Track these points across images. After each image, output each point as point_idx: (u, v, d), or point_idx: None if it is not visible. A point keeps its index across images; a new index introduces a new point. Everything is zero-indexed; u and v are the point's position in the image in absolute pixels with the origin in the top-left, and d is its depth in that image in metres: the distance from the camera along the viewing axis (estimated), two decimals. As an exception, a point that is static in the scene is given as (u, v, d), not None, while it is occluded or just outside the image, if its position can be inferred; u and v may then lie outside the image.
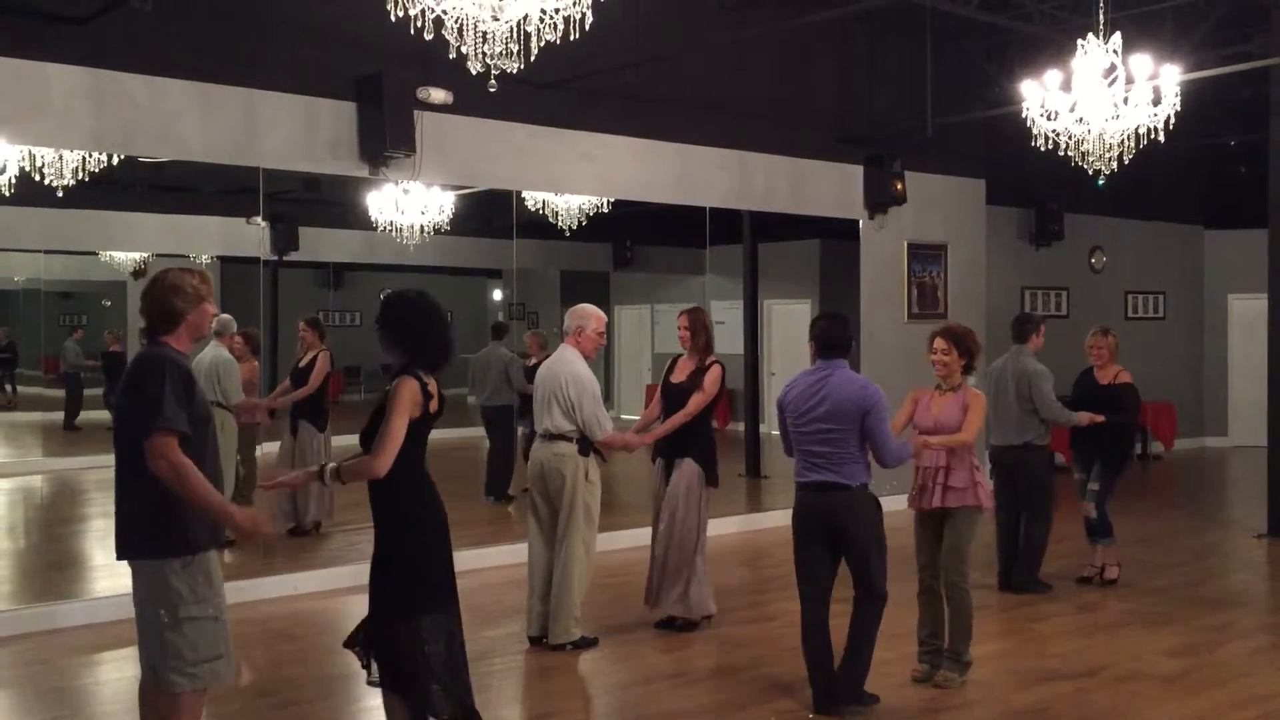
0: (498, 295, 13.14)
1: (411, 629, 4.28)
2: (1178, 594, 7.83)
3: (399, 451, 4.27)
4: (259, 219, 8.35)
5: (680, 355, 7.03)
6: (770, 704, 5.55)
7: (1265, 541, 9.69)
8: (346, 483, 4.38)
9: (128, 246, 10.09)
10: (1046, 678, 5.97)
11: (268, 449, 9.38)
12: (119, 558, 4.07)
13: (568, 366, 6.50)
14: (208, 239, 9.87)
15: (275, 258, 9.36)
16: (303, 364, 9.45)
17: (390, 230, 9.73)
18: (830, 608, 5.41)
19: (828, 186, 10.94)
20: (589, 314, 6.62)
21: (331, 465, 4.32)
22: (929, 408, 5.97)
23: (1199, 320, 16.51)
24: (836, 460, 5.24)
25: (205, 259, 10.16)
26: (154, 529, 3.96)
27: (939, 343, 6.00)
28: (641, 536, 7.36)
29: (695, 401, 6.73)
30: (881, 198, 11.04)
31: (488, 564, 8.34)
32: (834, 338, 5.41)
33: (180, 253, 10.16)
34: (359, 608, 6.45)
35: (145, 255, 10.23)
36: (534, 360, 11.28)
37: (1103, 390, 7.93)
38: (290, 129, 7.91)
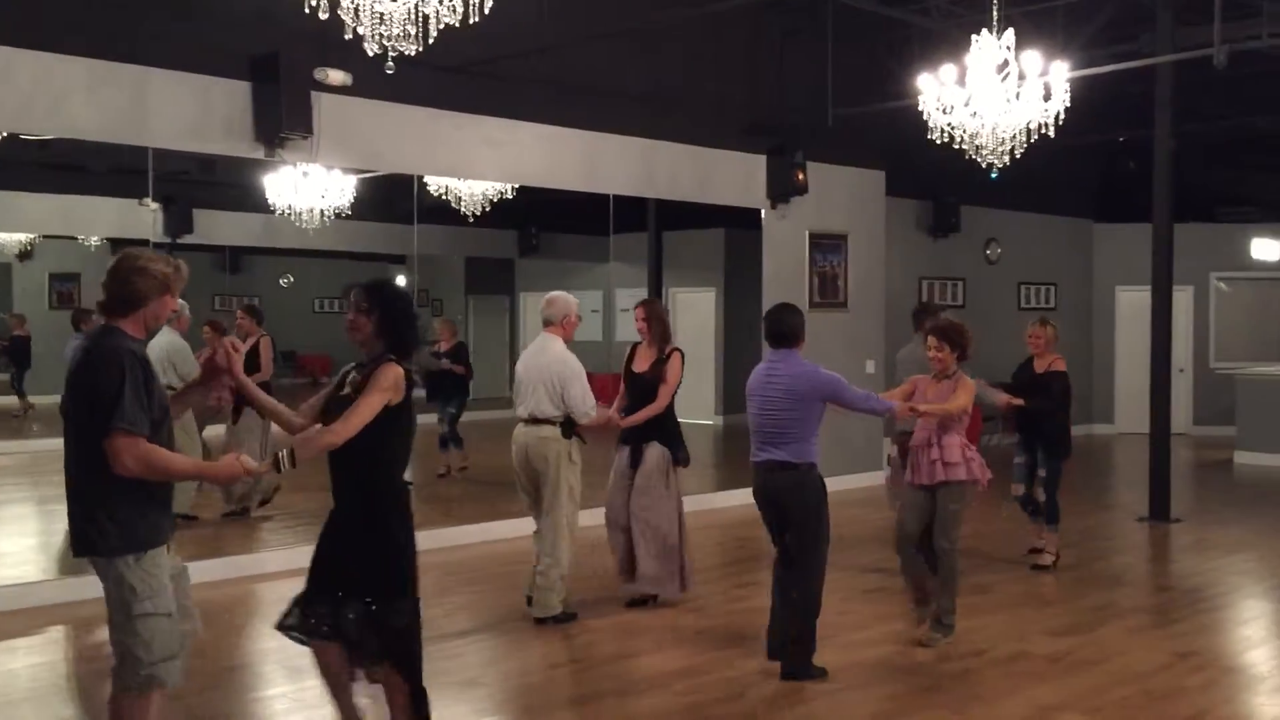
0: (401, 281, 12.98)
1: (412, 607, 4.40)
2: (1063, 575, 8.09)
3: (388, 437, 4.31)
4: (149, 200, 8.13)
5: (638, 343, 7.23)
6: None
7: (1146, 525, 10.09)
8: (301, 462, 4.14)
9: (12, 227, 9.76)
10: (938, 658, 6.12)
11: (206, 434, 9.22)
12: (76, 555, 3.96)
13: (555, 353, 6.70)
14: (97, 220, 9.58)
15: (168, 240, 9.11)
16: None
17: (289, 214, 9.55)
18: None
19: (731, 176, 11.02)
20: (569, 301, 6.89)
21: (285, 451, 4.09)
22: (924, 395, 6.31)
23: (1088, 311, 17.02)
24: (783, 440, 5.60)
25: (95, 241, 9.86)
26: (107, 525, 3.84)
27: (931, 340, 6.37)
28: (595, 516, 7.36)
29: (664, 393, 7.02)
30: (784, 188, 11.14)
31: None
32: (777, 329, 5.76)
33: (69, 234, 9.85)
34: (252, 597, 6.23)
35: (31, 236, 9.89)
36: (444, 347, 11.18)
37: (1037, 379, 8.34)
38: (182, 108, 7.71)
